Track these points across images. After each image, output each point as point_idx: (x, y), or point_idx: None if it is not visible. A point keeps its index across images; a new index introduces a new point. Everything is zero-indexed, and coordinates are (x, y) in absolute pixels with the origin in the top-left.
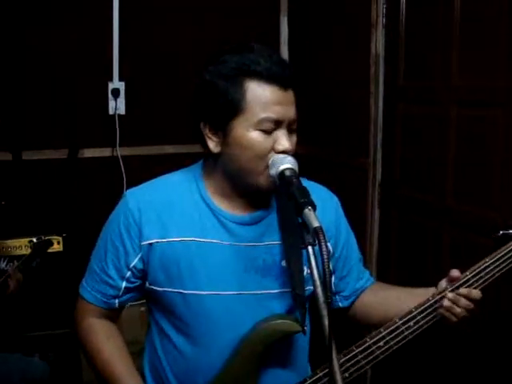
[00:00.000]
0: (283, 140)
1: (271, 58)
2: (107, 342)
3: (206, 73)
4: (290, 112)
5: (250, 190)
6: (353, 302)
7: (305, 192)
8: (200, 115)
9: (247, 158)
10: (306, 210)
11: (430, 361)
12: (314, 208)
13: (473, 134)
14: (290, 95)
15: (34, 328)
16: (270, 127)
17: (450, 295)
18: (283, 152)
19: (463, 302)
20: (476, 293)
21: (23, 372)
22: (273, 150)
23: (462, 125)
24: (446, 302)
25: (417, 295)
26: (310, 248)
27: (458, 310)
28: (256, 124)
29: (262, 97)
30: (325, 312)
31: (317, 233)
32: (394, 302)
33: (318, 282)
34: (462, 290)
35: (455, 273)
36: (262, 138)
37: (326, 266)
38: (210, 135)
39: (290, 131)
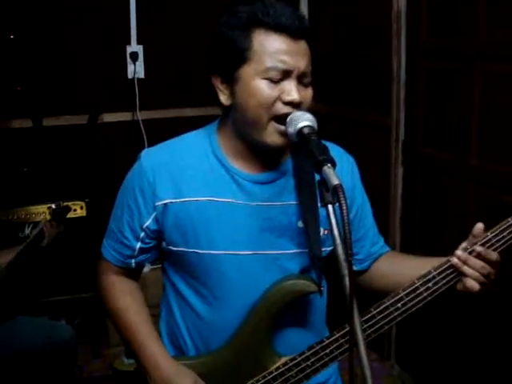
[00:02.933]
0: (291, 90)
1: (282, 9)
2: (126, 298)
3: (218, 25)
4: (299, 62)
5: (259, 147)
6: (367, 267)
7: (324, 149)
8: (212, 68)
9: (252, 106)
10: (326, 168)
11: (455, 319)
12: (334, 165)
13: (498, 90)
14: (300, 46)
15: (59, 292)
16: (276, 76)
17: (458, 252)
18: (290, 103)
19: (472, 260)
20: (493, 254)
21: (48, 335)
22: (280, 99)
23: (487, 81)
24: (453, 260)
25: (432, 264)
26: (329, 206)
27: (468, 269)
28: (262, 72)
29: (270, 46)
30: (345, 271)
31: (336, 190)
32: (409, 270)
33: (338, 241)
34: (478, 248)
35: (479, 226)
36: (268, 87)
37: (347, 224)
38: (221, 88)
39: (301, 84)
